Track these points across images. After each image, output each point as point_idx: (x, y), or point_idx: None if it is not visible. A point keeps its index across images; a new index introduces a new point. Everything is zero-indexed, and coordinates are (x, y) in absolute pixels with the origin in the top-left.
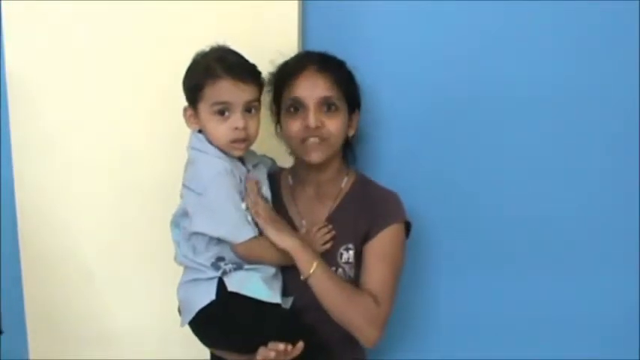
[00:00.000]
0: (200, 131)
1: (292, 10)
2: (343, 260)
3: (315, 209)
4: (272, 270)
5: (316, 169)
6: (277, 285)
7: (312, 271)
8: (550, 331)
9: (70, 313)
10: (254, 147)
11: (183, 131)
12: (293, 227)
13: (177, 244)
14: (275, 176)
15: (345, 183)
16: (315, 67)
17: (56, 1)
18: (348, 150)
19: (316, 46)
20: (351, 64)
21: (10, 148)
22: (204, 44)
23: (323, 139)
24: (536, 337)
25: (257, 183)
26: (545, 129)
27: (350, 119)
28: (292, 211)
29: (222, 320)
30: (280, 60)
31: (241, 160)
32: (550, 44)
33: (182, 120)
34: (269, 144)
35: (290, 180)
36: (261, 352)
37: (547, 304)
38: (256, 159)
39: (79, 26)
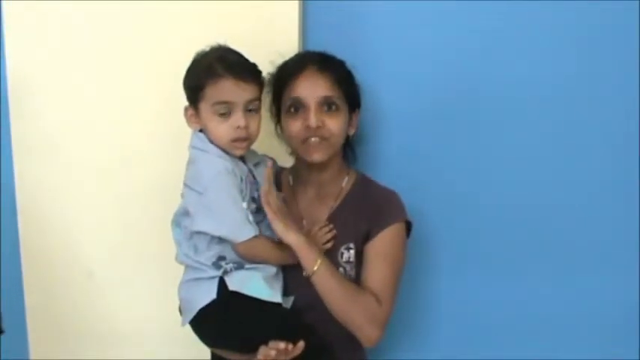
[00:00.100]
0: (201, 131)
1: (293, 10)
2: (344, 260)
3: (316, 209)
4: (273, 269)
5: (317, 168)
6: (278, 284)
7: (315, 268)
8: (550, 331)
9: (71, 313)
10: (254, 147)
11: (184, 131)
12: None
13: (179, 243)
14: (275, 176)
15: (346, 183)
16: (315, 67)
17: (57, 1)
18: (349, 149)
19: (317, 46)
20: (352, 63)
21: (11, 149)
22: (205, 44)
23: (324, 139)
24: (536, 337)
25: (271, 174)
26: (545, 129)
27: (350, 118)
28: (293, 211)
29: (223, 319)
30: (280, 60)
31: (242, 159)
32: (550, 44)
33: (183, 120)
34: (269, 144)
35: (290, 180)
36: (262, 351)
37: (547, 304)
38: (257, 158)
39: (80, 26)
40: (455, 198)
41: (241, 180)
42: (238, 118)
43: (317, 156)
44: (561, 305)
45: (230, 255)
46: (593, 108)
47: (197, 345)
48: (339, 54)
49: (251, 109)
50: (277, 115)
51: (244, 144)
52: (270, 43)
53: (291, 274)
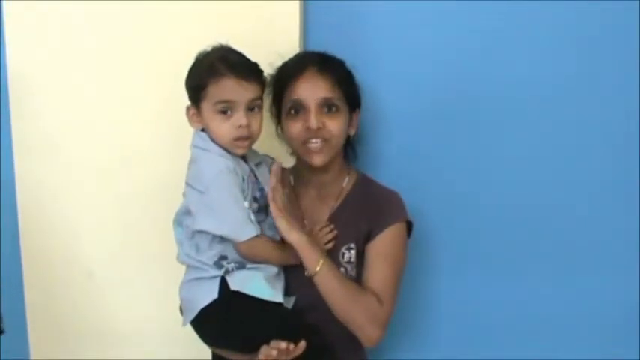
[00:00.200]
0: (203, 130)
1: (294, 10)
2: (345, 260)
3: (317, 209)
4: (274, 269)
5: (318, 169)
6: (280, 284)
7: (318, 268)
8: (550, 331)
9: (72, 313)
10: (255, 146)
11: (184, 131)
12: None
13: (180, 242)
14: None
15: (347, 183)
16: (315, 69)
17: (58, 0)
18: (350, 149)
19: (317, 46)
20: (352, 63)
21: (12, 149)
22: (206, 44)
23: (325, 141)
24: (536, 337)
25: (280, 167)
26: (545, 129)
27: (351, 119)
28: (294, 211)
29: (224, 319)
30: (279, 61)
31: (244, 159)
32: (550, 44)
33: (184, 119)
34: (270, 144)
35: (291, 180)
36: (263, 350)
37: (547, 304)
38: (258, 158)
39: (81, 26)
40: (455, 198)
41: (243, 180)
42: (240, 117)
43: (318, 159)
44: (561, 305)
45: (232, 254)
46: (593, 108)
47: (197, 345)
48: (339, 54)
49: (253, 108)
50: (278, 116)
51: (246, 143)
52: (270, 43)
53: (293, 274)
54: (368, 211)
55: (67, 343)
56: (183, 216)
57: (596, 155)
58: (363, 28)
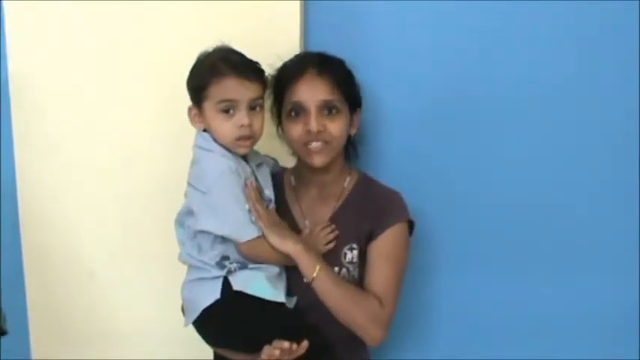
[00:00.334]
0: (205, 130)
1: (294, 10)
2: (347, 260)
3: (318, 209)
4: (276, 269)
5: (319, 169)
6: (281, 284)
7: (315, 274)
8: (550, 331)
9: (73, 313)
10: (256, 147)
11: (184, 131)
12: (296, 228)
13: (182, 243)
14: (277, 176)
15: (348, 183)
16: (315, 71)
17: (58, 1)
18: (351, 148)
19: (318, 46)
20: (353, 63)
21: (13, 149)
22: (207, 45)
23: (326, 143)
24: (536, 337)
25: (256, 188)
26: (545, 129)
27: (351, 119)
28: (295, 212)
29: (226, 319)
30: (279, 62)
31: (245, 159)
32: (550, 44)
33: (185, 120)
34: (271, 144)
35: (293, 180)
36: (266, 350)
37: (547, 304)
38: (259, 158)
39: (81, 26)
40: (455, 198)
41: (245, 180)
42: (242, 117)
43: (319, 160)
44: (561, 305)
45: (234, 255)
46: (593, 108)
47: (199, 345)
48: (340, 54)
49: (255, 107)
50: (278, 117)
51: (248, 142)
52: (271, 43)
53: (295, 274)
54: (369, 211)
55: (67, 343)
56: (185, 216)
57: (596, 155)
58: (363, 28)
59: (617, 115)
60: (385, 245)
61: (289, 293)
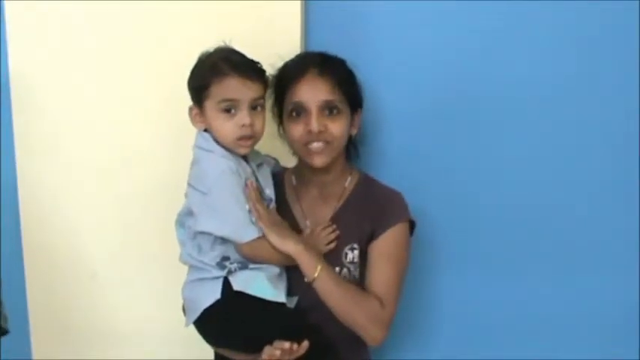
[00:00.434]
0: (206, 130)
1: (295, 10)
2: (348, 260)
3: (319, 209)
4: (277, 269)
5: (320, 169)
6: (282, 284)
7: (316, 274)
8: (550, 331)
9: (74, 313)
10: (257, 146)
11: (184, 131)
12: (297, 227)
13: (183, 243)
14: (278, 176)
15: (349, 183)
16: (316, 71)
17: (58, 1)
18: (352, 148)
19: (319, 46)
20: (354, 63)
21: (14, 149)
22: (207, 45)
23: (326, 143)
24: (536, 337)
25: (256, 189)
26: (545, 129)
27: (352, 119)
28: (296, 211)
29: (227, 319)
30: (279, 63)
31: (245, 159)
32: (550, 44)
33: (185, 120)
34: (272, 144)
35: (294, 180)
36: (267, 350)
37: (547, 304)
38: (260, 158)
39: (81, 26)
40: (455, 198)
41: (245, 180)
42: (243, 116)
43: (320, 161)
44: (561, 305)
45: (234, 255)
46: (593, 108)
47: (199, 345)
48: (340, 54)
49: (256, 107)
50: (279, 117)
51: (249, 142)
52: (272, 43)
53: (295, 274)
54: (370, 211)
55: (68, 343)
56: (185, 217)
57: (596, 155)
58: (364, 28)
59: (617, 115)
60: (386, 245)
61: (290, 293)
